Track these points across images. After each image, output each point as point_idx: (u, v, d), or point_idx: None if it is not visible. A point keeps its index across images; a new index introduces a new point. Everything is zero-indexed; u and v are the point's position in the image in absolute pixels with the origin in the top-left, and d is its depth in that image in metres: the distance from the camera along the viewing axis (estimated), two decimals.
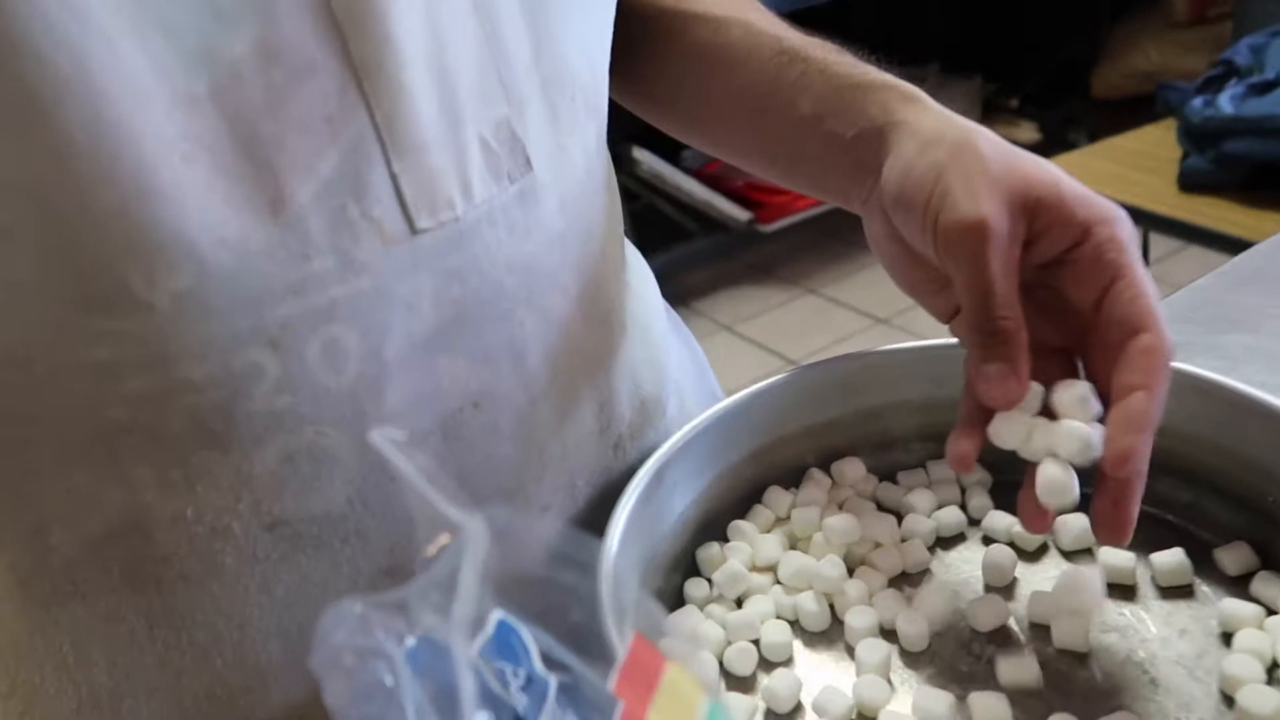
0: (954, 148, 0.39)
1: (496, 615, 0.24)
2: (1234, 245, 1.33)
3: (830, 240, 2.47)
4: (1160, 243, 2.10)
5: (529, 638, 0.24)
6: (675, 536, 0.45)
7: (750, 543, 0.45)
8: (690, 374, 0.57)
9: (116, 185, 0.30)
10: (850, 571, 0.44)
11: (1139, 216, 1.42)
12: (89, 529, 0.35)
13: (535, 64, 0.39)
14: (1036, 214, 0.38)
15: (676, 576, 0.45)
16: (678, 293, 2.43)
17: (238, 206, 0.32)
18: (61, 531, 0.35)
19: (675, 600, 0.45)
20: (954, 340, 0.48)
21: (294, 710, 0.39)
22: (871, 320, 2.24)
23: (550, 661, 0.25)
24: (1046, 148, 2.61)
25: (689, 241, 2.37)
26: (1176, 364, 0.45)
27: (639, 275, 0.53)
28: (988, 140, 0.39)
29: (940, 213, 0.38)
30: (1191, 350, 0.60)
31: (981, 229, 0.36)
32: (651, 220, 2.37)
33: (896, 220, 0.41)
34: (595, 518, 0.44)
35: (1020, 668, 0.39)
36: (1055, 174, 0.39)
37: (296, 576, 0.37)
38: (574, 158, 0.43)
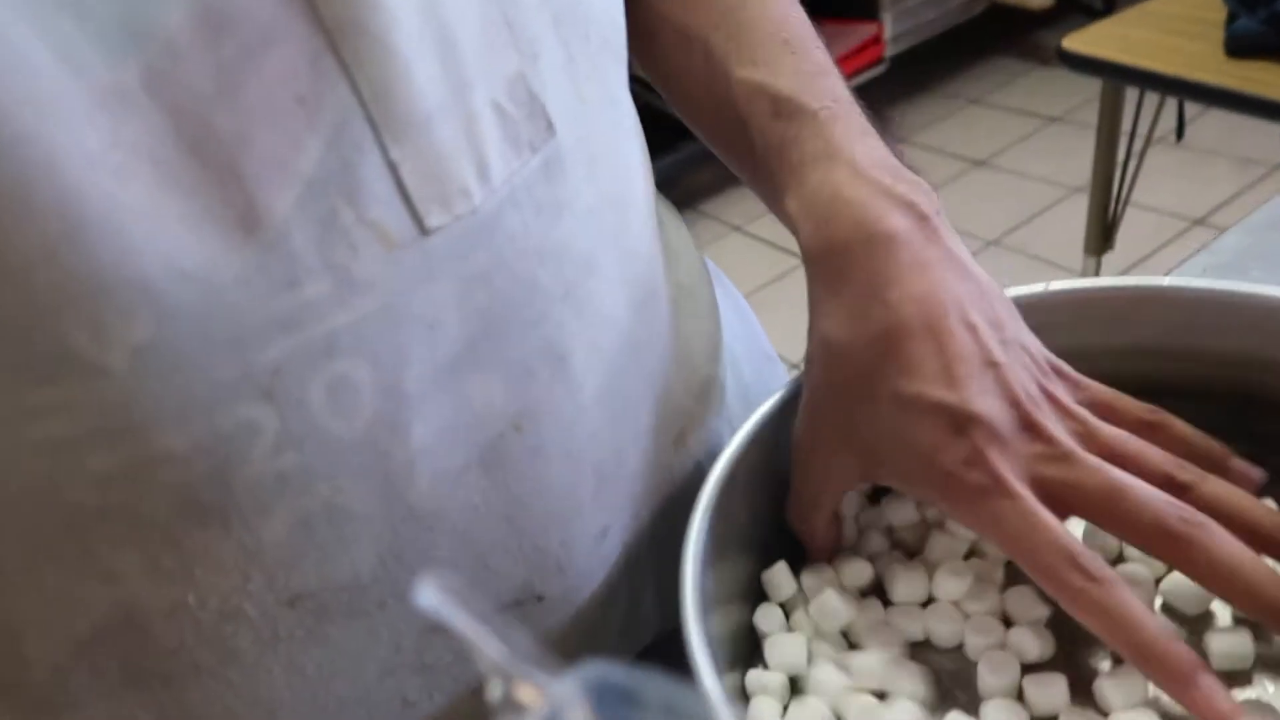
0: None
1: None
2: None
3: None
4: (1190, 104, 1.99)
5: None
6: (754, 542, 0.39)
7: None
8: (740, 336, 0.50)
9: (33, 222, 0.23)
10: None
11: (1183, 86, 1.32)
12: (72, 632, 0.29)
13: None
14: None
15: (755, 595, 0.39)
16: (684, 196, 2.34)
17: (199, 228, 0.25)
18: (39, 639, 0.29)
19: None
20: (1037, 288, 0.41)
21: None
22: None
23: None
24: (1063, 14, 2.46)
25: (692, 140, 2.25)
26: None
27: (675, 232, 0.46)
28: None
29: None
30: None
31: None
32: (650, 121, 2.25)
33: None
34: (661, 533, 0.38)
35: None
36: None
37: (329, 651, 0.32)
38: (596, 110, 0.35)
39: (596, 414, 0.35)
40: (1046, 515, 0.31)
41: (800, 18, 0.41)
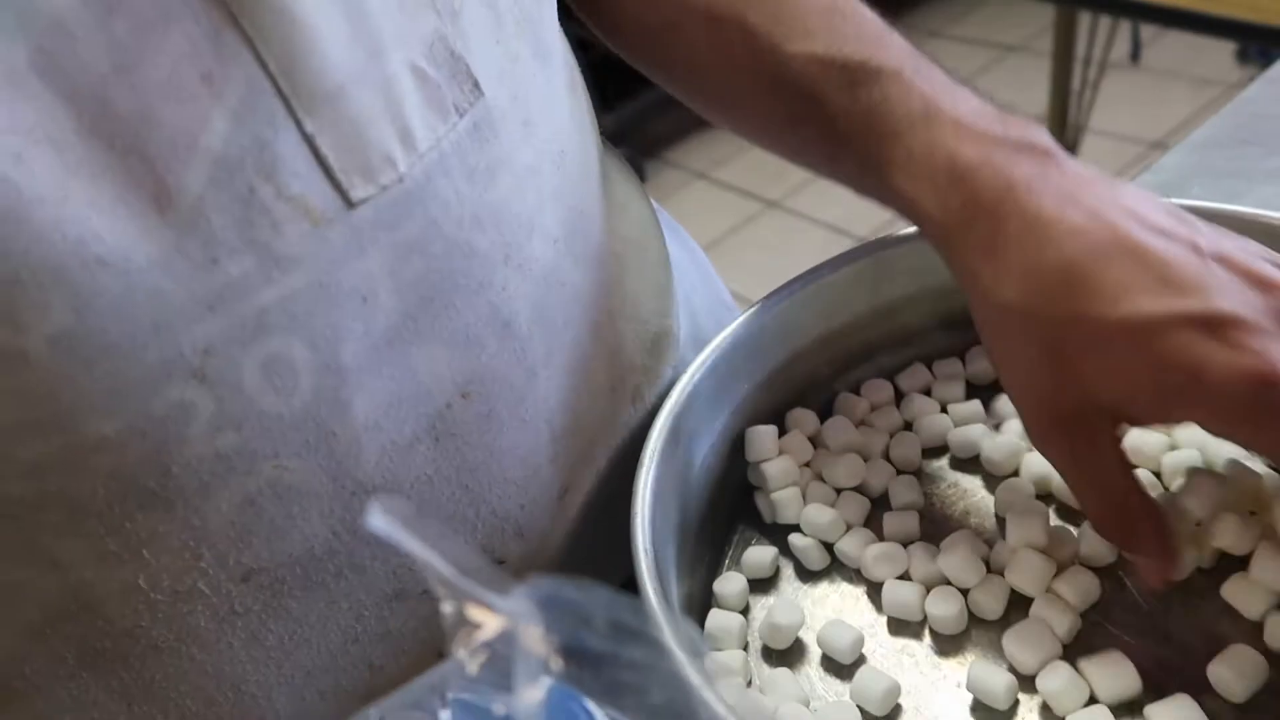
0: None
1: (547, 682, 0.20)
2: (1239, 30, 1.23)
3: None
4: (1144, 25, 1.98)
5: (592, 706, 0.21)
6: (703, 493, 0.40)
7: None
8: (698, 286, 0.50)
9: None
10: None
11: (1134, 8, 1.31)
12: (23, 619, 0.29)
13: None
14: None
15: (706, 553, 0.40)
16: (647, 144, 2.32)
17: (109, 212, 0.25)
18: None
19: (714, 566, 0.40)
20: None
21: None
22: None
23: None
24: None
25: (652, 88, 2.23)
26: (1239, 206, 0.39)
27: (623, 184, 0.45)
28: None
29: None
30: (1251, 177, 0.53)
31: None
32: (610, 68, 2.22)
33: None
34: (622, 487, 0.39)
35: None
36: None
37: (288, 623, 0.32)
38: (528, 64, 0.34)
39: (547, 376, 0.35)
40: None
41: None
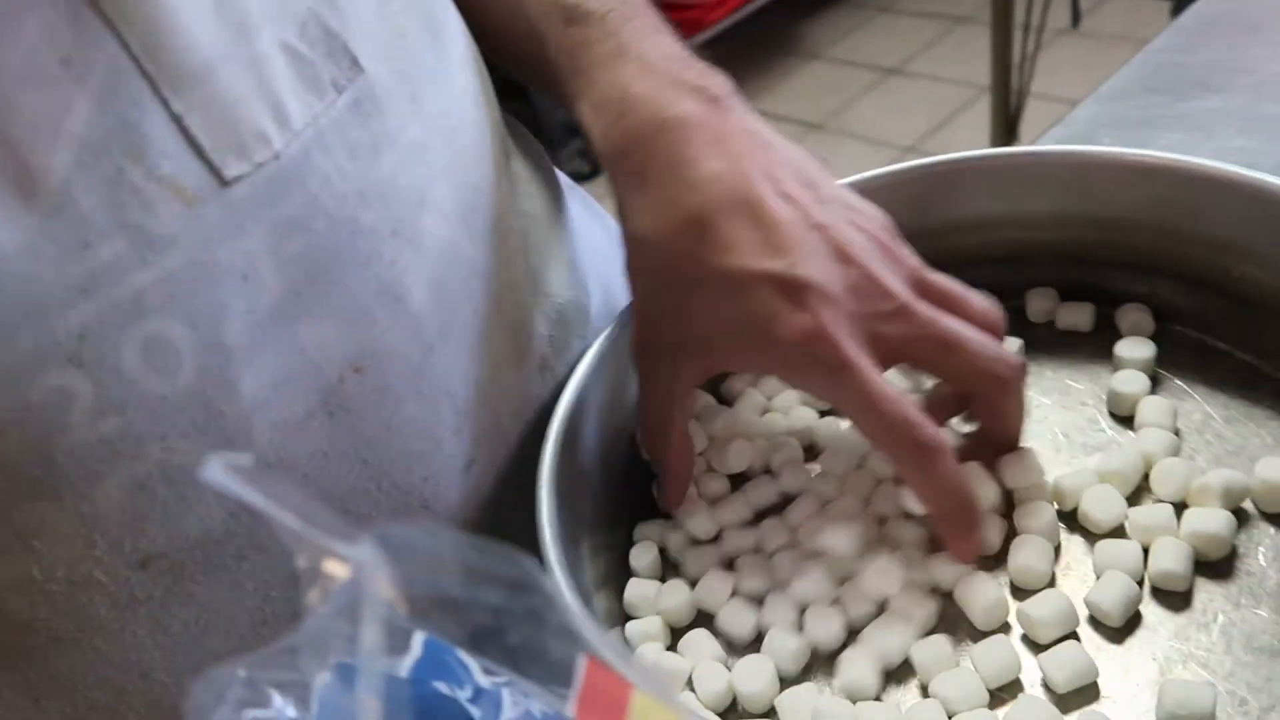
0: None
1: (420, 636, 0.20)
2: None
3: (753, 49, 2.34)
4: None
5: (464, 655, 0.21)
6: (617, 465, 0.40)
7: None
8: (612, 258, 0.50)
9: None
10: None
11: None
12: None
13: None
14: None
15: (623, 524, 0.40)
16: None
17: None
18: None
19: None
20: (893, 167, 0.42)
21: None
22: (807, 127, 2.15)
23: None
24: None
25: None
26: (1123, 149, 0.40)
27: (525, 160, 0.45)
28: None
29: None
30: (1158, 124, 0.54)
31: None
32: None
33: None
34: (534, 459, 0.39)
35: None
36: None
37: (193, 608, 0.32)
38: (416, 40, 0.34)
39: (445, 349, 0.35)
40: (884, 388, 0.31)
41: None
